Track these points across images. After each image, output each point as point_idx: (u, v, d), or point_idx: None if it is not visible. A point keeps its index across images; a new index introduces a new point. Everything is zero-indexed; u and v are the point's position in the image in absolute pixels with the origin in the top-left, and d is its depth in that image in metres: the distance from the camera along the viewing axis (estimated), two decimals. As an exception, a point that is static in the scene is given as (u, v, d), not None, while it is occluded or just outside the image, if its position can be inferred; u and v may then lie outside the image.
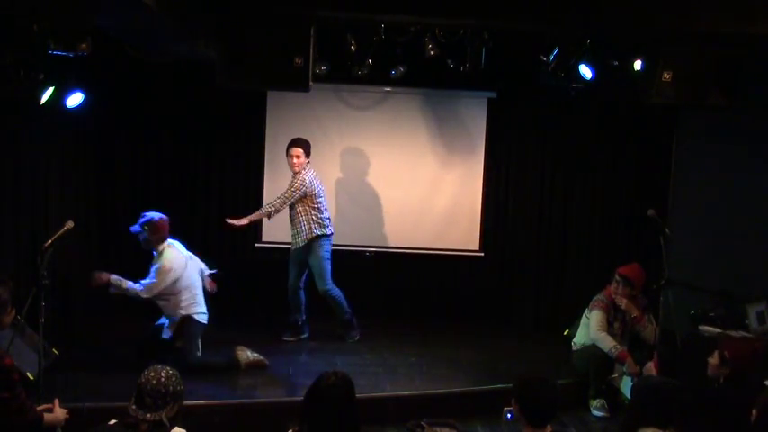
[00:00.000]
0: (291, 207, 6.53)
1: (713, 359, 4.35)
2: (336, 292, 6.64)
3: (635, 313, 5.88)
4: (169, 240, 5.82)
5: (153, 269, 5.71)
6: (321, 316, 7.00)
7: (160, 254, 5.73)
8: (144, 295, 5.66)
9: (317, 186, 6.51)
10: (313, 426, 3.14)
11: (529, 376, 3.52)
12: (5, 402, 3.66)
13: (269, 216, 6.55)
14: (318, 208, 6.52)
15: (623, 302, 5.83)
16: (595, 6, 4.91)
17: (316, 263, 6.59)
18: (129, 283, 5.65)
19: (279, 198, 6.49)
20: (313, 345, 6.60)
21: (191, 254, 6.00)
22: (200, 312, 5.90)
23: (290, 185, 6.46)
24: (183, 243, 7.58)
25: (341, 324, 6.79)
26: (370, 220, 7.38)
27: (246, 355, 5.93)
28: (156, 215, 5.77)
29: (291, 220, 6.57)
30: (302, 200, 6.46)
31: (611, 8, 4.90)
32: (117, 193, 7.33)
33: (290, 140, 6.56)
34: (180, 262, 5.77)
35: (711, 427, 4.09)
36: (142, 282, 5.67)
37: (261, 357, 5.95)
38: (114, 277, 5.64)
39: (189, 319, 5.85)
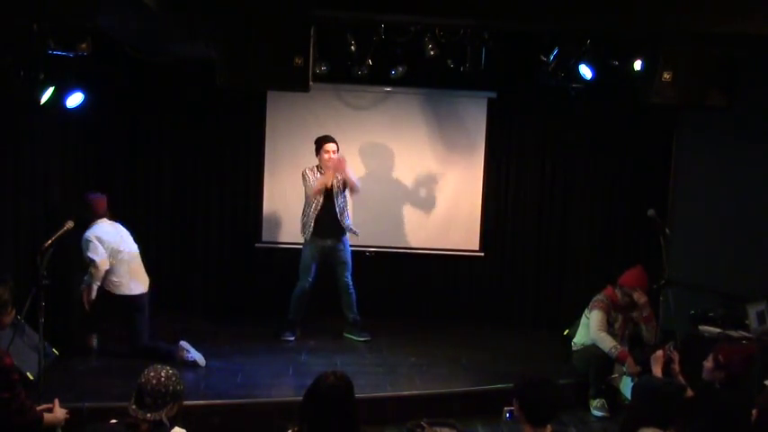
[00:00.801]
0: (341, 200, 6.61)
1: (708, 363, 4.36)
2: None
3: (646, 312, 5.90)
4: (106, 220, 5.96)
5: None
6: (321, 315, 7.01)
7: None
8: (98, 265, 5.75)
9: None
10: (313, 426, 3.14)
11: (531, 376, 3.52)
12: (5, 402, 3.66)
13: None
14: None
15: (642, 299, 5.85)
16: (595, 6, 4.91)
17: (348, 258, 6.72)
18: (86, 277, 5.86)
19: (345, 200, 6.65)
20: (313, 345, 6.60)
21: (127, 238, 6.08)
22: (122, 284, 5.93)
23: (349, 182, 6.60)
24: (182, 242, 7.61)
25: (350, 323, 6.82)
26: (370, 220, 7.37)
27: (183, 355, 5.90)
28: (92, 194, 6.01)
29: (339, 213, 6.58)
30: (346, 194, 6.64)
31: (612, 8, 4.89)
32: (116, 193, 7.31)
33: (318, 138, 6.62)
34: (106, 234, 5.89)
35: (711, 429, 4.09)
36: None
37: (198, 360, 5.92)
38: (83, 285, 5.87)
39: (123, 298, 5.93)
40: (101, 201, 6.01)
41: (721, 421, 4.04)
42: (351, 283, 6.75)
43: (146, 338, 5.99)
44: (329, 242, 6.63)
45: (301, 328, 6.81)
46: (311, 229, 6.56)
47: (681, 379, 4.64)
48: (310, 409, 3.17)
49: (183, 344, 5.96)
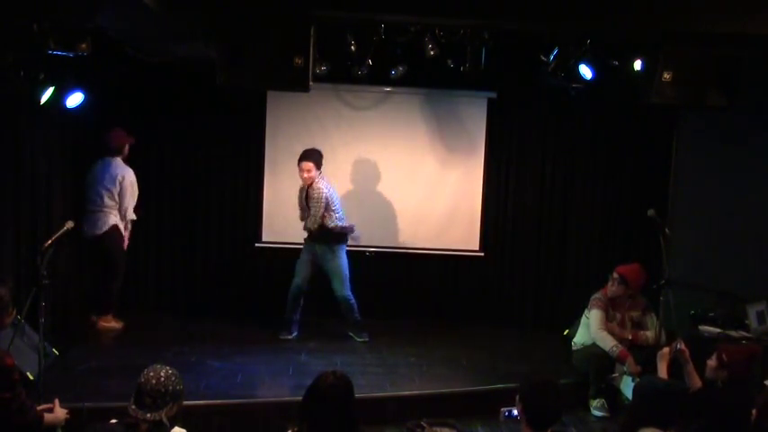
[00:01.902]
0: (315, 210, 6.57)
1: (711, 362, 4.36)
2: (353, 299, 6.72)
3: (636, 313, 5.90)
4: (107, 158, 6.50)
5: None
6: (321, 316, 7.01)
7: None
8: None
9: (333, 193, 6.58)
10: (312, 426, 3.14)
11: (535, 379, 3.49)
12: (6, 402, 3.66)
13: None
14: (338, 216, 6.59)
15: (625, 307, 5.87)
16: (595, 6, 4.91)
17: (338, 268, 6.65)
18: None
19: (313, 215, 6.54)
20: (313, 345, 6.59)
21: (112, 174, 6.48)
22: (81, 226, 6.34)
23: (312, 198, 6.53)
24: (183, 242, 7.61)
25: (352, 324, 6.82)
26: (370, 220, 7.37)
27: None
28: (114, 129, 6.51)
29: (320, 222, 6.57)
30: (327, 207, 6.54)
31: (612, 8, 4.89)
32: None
33: (301, 153, 6.58)
34: (90, 173, 6.47)
35: (711, 429, 4.09)
36: None
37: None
38: None
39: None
40: (112, 136, 6.42)
41: (722, 421, 4.04)
42: (347, 295, 6.69)
43: (110, 283, 6.55)
44: (317, 247, 6.66)
45: (300, 328, 6.79)
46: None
47: (696, 378, 4.62)
48: (310, 408, 3.18)
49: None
